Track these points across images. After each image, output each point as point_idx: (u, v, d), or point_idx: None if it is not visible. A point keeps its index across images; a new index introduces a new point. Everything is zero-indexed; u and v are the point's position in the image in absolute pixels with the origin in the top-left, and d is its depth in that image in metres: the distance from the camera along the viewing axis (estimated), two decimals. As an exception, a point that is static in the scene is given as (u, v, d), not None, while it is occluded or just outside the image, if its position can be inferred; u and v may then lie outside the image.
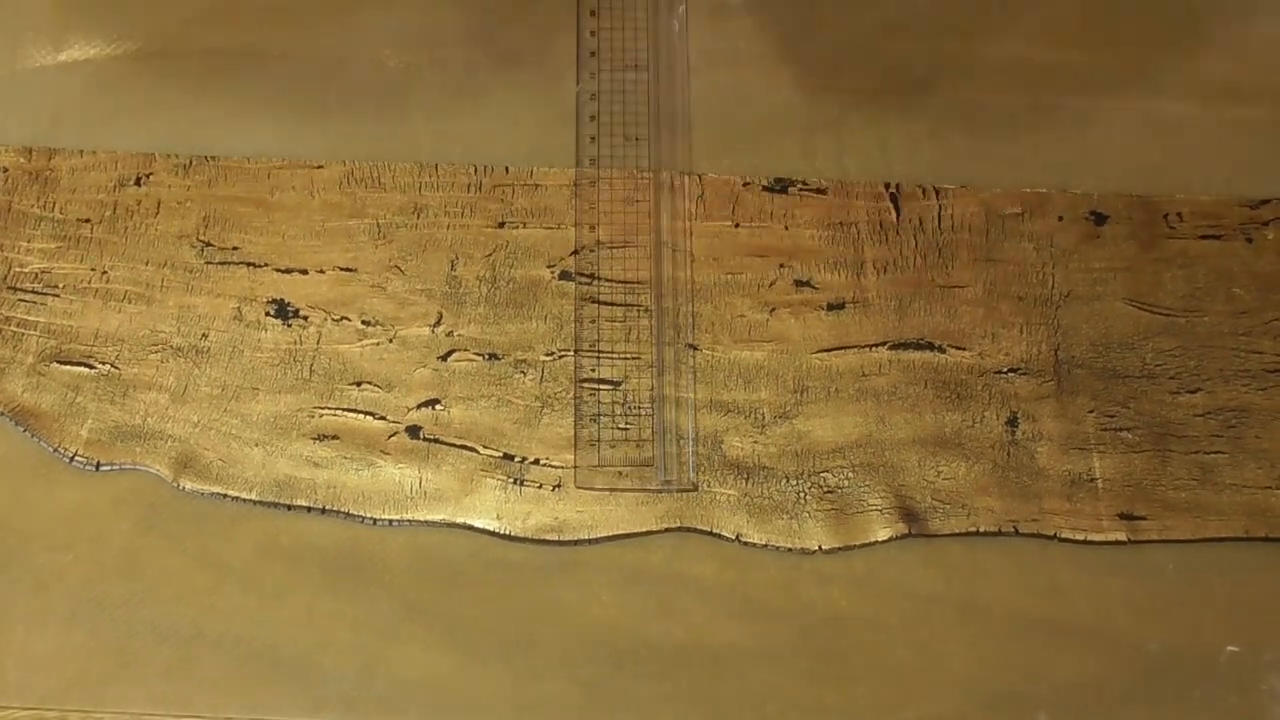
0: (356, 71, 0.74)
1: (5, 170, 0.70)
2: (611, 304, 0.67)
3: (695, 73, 0.74)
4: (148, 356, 0.66)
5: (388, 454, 0.64)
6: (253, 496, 0.63)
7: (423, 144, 0.71)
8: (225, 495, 0.63)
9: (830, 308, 0.68)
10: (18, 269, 0.68)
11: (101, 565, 0.62)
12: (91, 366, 0.66)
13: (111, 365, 0.66)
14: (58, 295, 0.67)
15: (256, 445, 0.64)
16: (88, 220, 0.69)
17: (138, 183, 0.70)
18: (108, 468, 0.64)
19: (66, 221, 0.69)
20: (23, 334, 0.66)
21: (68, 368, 0.66)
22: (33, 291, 0.67)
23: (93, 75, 0.73)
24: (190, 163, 0.71)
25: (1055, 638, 0.62)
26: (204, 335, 0.67)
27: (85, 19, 0.75)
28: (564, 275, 0.68)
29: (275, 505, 0.63)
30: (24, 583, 0.62)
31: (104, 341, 0.66)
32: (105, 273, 0.68)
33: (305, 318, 0.67)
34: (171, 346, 0.66)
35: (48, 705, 0.60)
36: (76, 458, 0.64)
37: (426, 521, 0.63)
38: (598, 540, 0.63)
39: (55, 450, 0.64)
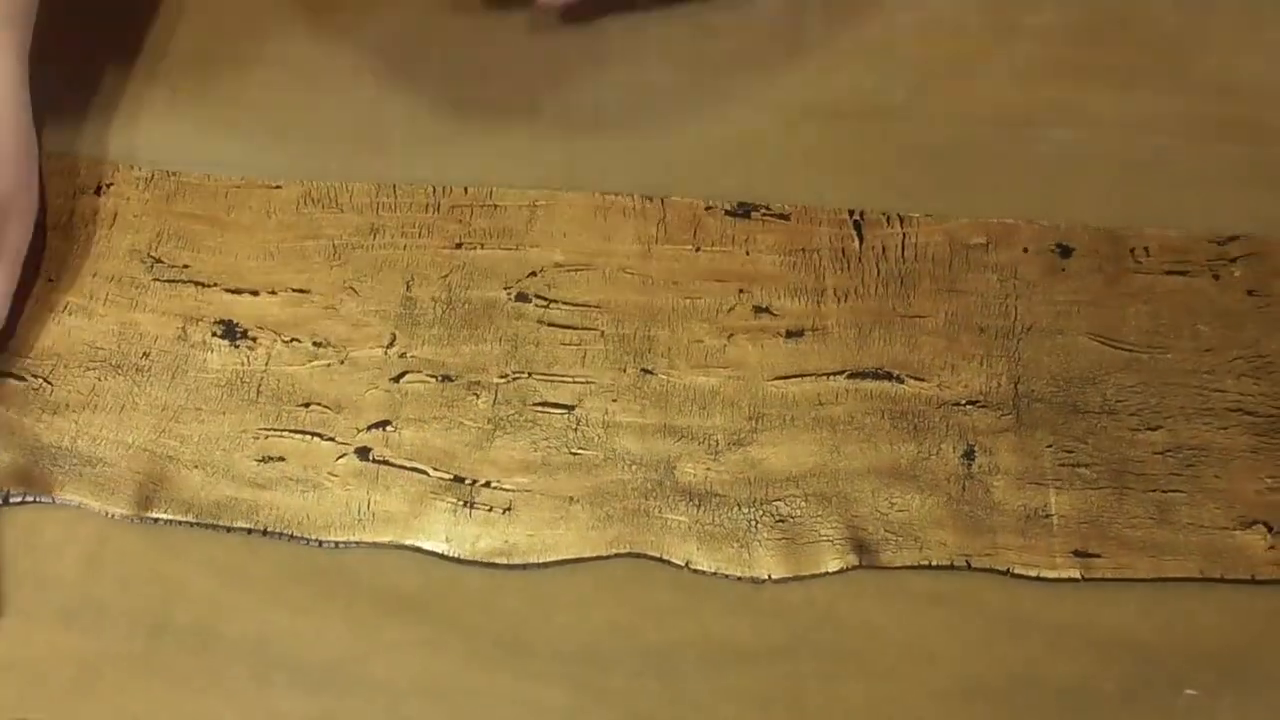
0: (326, 87, 0.73)
1: None
2: (567, 327, 0.67)
3: (663, 95, 0.73)
4: (84, 373, 0.65)
5: (335, 475, 0.64)
6: (189, 519, 0.63)
7: (388, 162, 0.71)
8: (158, 519, 0.63)
9: (789, 335, 0.67)
10: None
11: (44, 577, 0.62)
12: (23, 379, 0.65)
13: (44, 380, 0.65)
14: None
15: (196, 467, 0.64)
16: (41, 225, 0.68)
17: (97, 191, 0.70)
18: (17, 499, 0.63)
19: None
20: None
21: None
22: None
23: (64, 78, 0.73)
24: (152, 176, 0.70)
25: (1006, 676, 0.60)
26: (145, 354, 0.66)
27: (61, 20, 0.75)
28: (520, 297, 0.67)
29: (214, 527, 0.63)
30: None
31: (40, 354, 0.66)
32: (51, 281, 0.67)
33: (254, 339, 0.66)
34: (110, 364, 0.66)
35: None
36: None
37: (374, 543, 0.62)
38: (547, 565, 0.62)
39: None
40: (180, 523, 0.63)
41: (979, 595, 0.62)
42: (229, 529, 0.63)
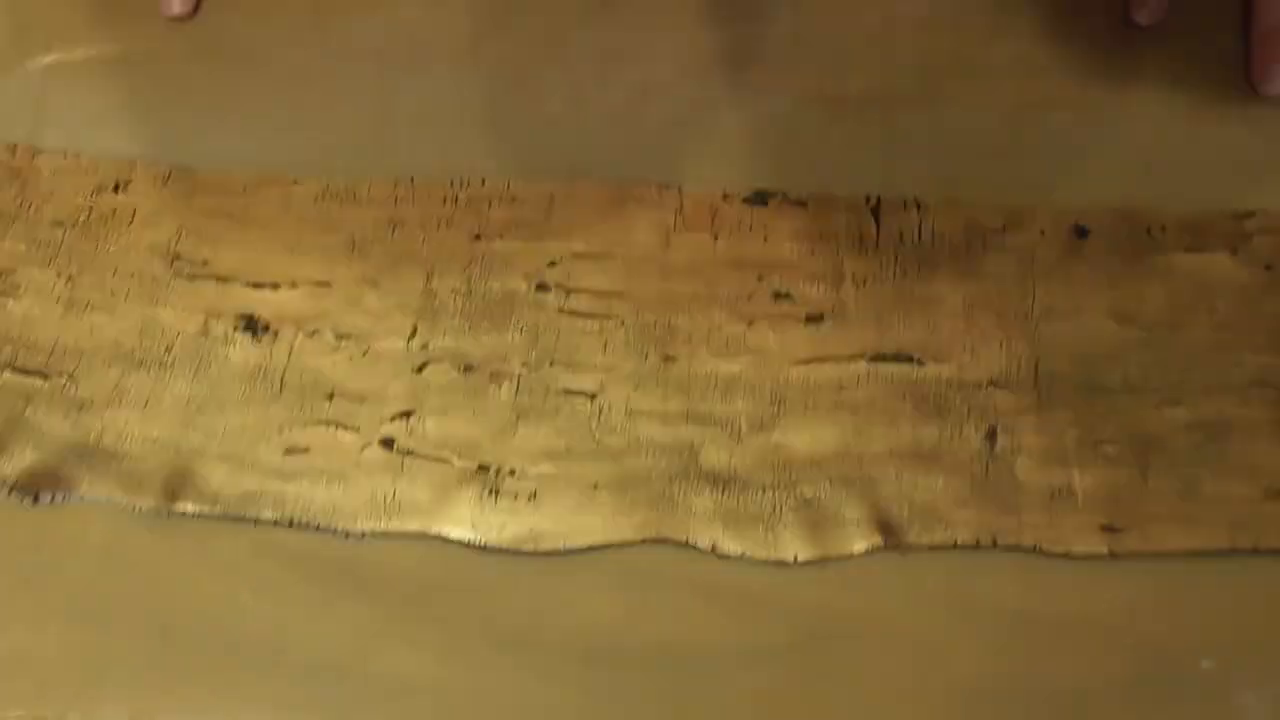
0: (340, 80, 0.73)
1: None
2: (588, 316, 0.67)
3: (678, 83, 0.74)
4: (107, 370, 0.66)
5: (360, 466, 0.64)
6: (216, 511, 0.63)
7: (401, 155, 0.71)
8: (184, 513, 0.63)
9: (809, 320, 0.67)
10: None
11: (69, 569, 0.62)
12: (47, 377, 0.65)
13: (68, 377, 0.66)
14: (19, 298, 0.67)
15: (221, 460, 0.64)
16: (61, 223, 0.69)
17: (116, 190, 0.70)
18: (47, 498, 0.63)
19: (40, 223, 0.69)
20: None
21: (21, 377, 0.66)
22: None
23: (78, 77, 0.74)
24: (170, 174, 0.71)
25: (1031, 649, 0.61)
26: (167, 349, 0.66)
27: (72, 20, 0.75)
28: (540, 287, 0.68)
29: (240, 520, 0.63)
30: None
31: (62, 352, 0.66)
32: (71, 279, 0.68)
33: (276, 332, 0.67)
34: (133, 360, 0.66)
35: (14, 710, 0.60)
36: (14, 490, 0.63)
37: (401, 533, 0.63)
38: (573, 550, 0.62)
39: None
40: (207, 515, 0.63)
41: (993, 590, 0.62)
42: (256, 521, 0.63)
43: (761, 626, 0.61)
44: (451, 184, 0.70)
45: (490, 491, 0.63)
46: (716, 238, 0.69)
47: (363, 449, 0.64)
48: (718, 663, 0.61)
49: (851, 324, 0.67)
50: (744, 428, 0.65)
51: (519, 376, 0.66)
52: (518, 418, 0.65)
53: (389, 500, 0.63)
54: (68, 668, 0.60)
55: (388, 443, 0.64)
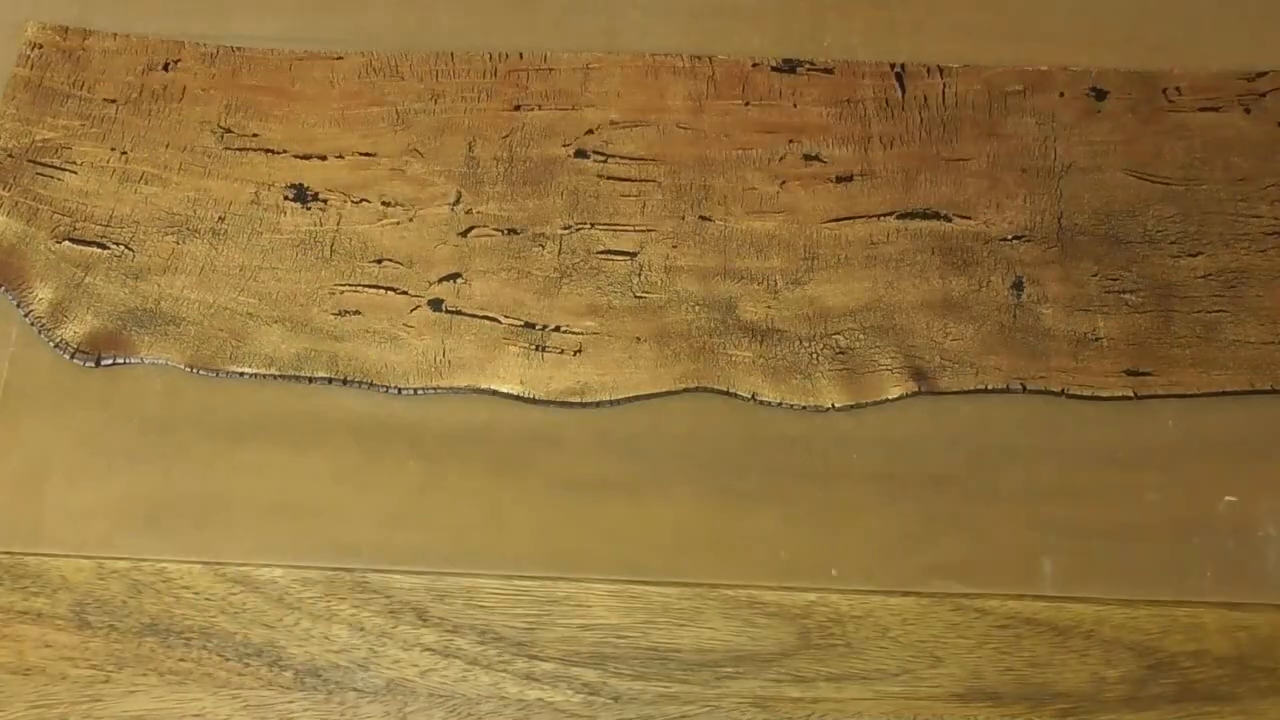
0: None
1: (40, 47, 0.72)
2: (626, 179, 0.69)
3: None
4: (163, 239, 0.68)
5: (410, 326, 0.66)
6: (272, 371, 0.65)
7: (441, 29, 0.74)
8: (243, 373, 0.65)
9: (839, 180, 0.69)
10: (40, 143, 0.69)
11: (133, 425, 0.64)
12: (104, 247, 0.68)
13: (125, 246, 0.68)
14: (76, 172, 0.69)
15: (275, 322, 0.66)
16: (113, 101, 0.71)
17: (165, 68, 0.72)
18: (109, 361, 0.65)
19: (93, 101, 0.71)
20: (38, 209, 0.68)
21: (80, 247, 0.68)
22: (52, 167, 0.69)
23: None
24: (217, 52, 0.72)
25: (1060, 488, 0.63)
26: (220, 218, 0.68)
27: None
28: (579, 153, 0.70)
29: (295, 379, 0.65)
30: (64, 439, 0.64)
31: (119, 222, 0.68)
32: (125, 154, 0.70)
33: (324, 200, 0.69)
34: (188, 229, 0.68)
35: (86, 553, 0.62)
36: (77, 353, 0.65)
37: (451, 388, 0.65)
38: (618, 401, 0.65)
39: (56, 346, 0.65)
40: (263, 376, 0.65)
41: (1023, 431, 0.65)
42: (310, 380, 0.65)
43: (788, 476, 0.64)
44: (490, 57, 0.72)
45: (536, 347, 0.66)
46: (748, 104, 0.71)
47: (412, 310, 0.66)
48: (759, 498, 0.63)
49: (880, 183, 0.69)
50: (779, 282, 0.67)
51: (561, 238, 0.68)
52: (561, 277, 0.67)
53: (439, 358, 0.65)
54: (131, 518, 0.63)
55: (436, 303, 0.66)
